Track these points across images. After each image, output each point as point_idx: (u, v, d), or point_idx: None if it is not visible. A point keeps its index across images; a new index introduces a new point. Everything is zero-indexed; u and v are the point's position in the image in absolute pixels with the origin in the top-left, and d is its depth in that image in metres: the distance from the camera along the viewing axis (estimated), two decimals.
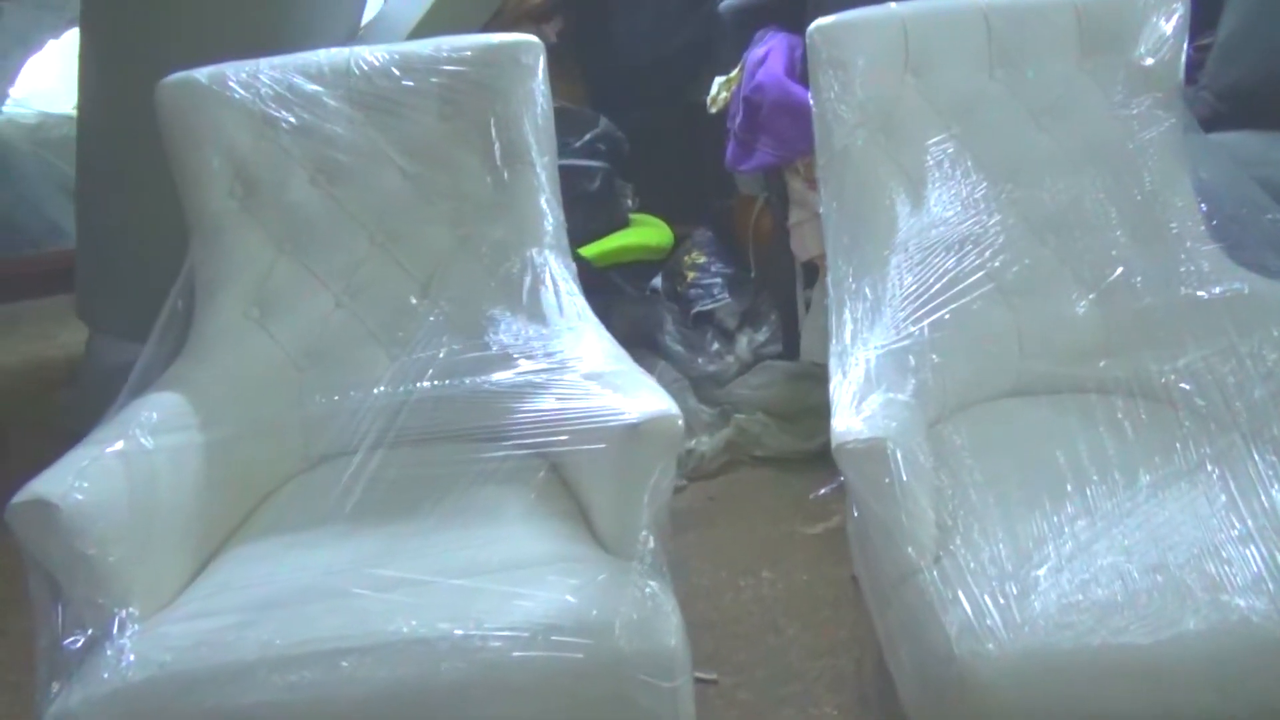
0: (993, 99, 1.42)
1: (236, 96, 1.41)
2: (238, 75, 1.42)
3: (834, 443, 1.06)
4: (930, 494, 1.07)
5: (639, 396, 1.16)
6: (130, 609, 1.10)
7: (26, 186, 3.79)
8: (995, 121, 1.41)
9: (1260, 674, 0.97)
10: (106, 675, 1.02)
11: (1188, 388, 1.17)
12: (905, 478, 1.03)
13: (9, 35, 3.87)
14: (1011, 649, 0.95)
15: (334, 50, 1.47)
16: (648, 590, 1.07)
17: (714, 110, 2.12)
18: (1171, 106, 1.39)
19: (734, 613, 1.64)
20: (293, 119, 1.42)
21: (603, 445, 1.12)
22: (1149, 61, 1.41)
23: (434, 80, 1.44)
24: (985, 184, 1.38)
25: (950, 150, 1.39)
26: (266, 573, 1.16)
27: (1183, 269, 1.31)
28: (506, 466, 1.31)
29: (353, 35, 2.34)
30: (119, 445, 1.16)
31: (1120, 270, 1.34)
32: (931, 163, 1.38)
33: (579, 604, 1.04)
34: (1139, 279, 1.32)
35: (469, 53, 1.45)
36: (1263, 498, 1.04)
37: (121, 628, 1.07)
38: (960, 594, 0.99)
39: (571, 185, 2.02)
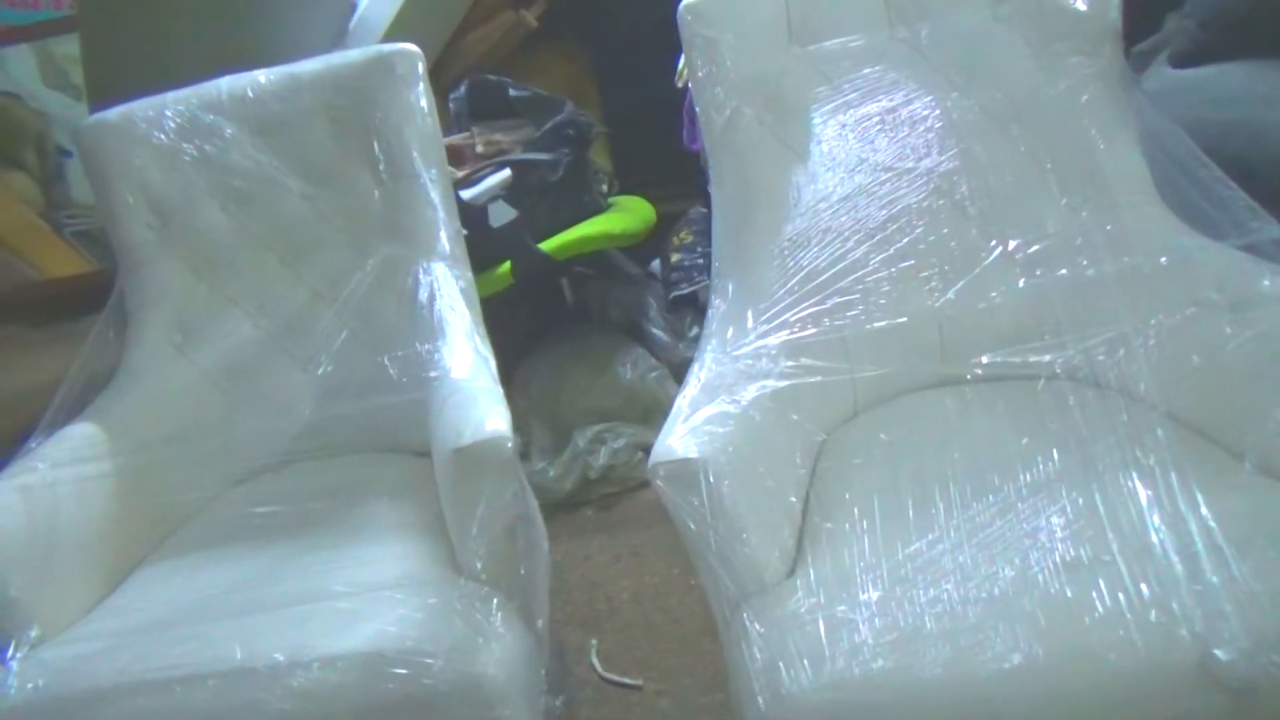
0: (895, 62, 1.28)
1: (144, 133, 1.47)
2: (144, 113, 1.48)
3: (649, 464, 1.01)
4: (761, 517, 0.99)
5: (480, 418, 1.13)
6: (31, 632, 1.19)
7: None
8: (900, 86, 1.28)
9: (1113, 715, 0.86)
10: None
11: (1067, 382, 1.03)
12: (724, 502, 0.96)
13: None
14: (815, 689, 0.88)
15: (236, 77, 1.50)
16: (473, 616, 1.06)
17: (681, 84, 2.03)
18: (1100, 53, 1.21)
19: (678, 614, 1.60)
20: (195, 151, 1.46)
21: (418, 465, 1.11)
22: (1080, 5, 1.23)
23: (321, 99, 1.45)
24: (891, 156, 1.26)
25: (847, 123, 1.27)
26: (154, 596, 1.22)
27: (1115, 236, 1.15)
28: (397, 482, 1.33)
29: (339, 40, 2.38)
30: (20, 480, 1.25)
31: (1046, 243, 1.18)
32: (823, 140, 1.26)
33: (399, 631, 1.03)
34: (1065, 251, 1.17)
35: (349, 67, 1.44)
36: (1132, 514, 0.91)
37: (16, 650, 1.16)
38: (769, 629, 0.92)
39: (531, 178, 2.00)
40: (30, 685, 1.10)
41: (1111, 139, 1.17)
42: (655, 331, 2.12)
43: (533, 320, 2.31)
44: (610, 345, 2.12)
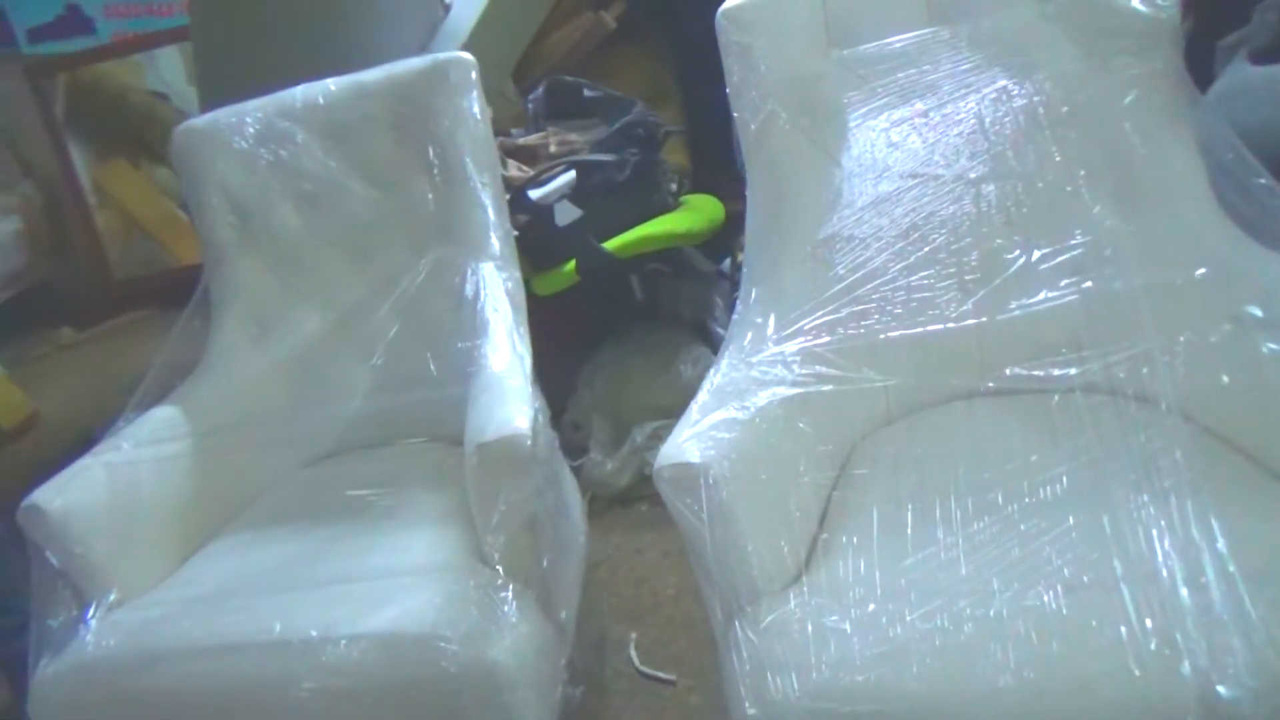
0: (934, 63, 1.25)
1: (226, 139, 1.58)
2: (228, 120, 1.59)
3: (654, 467, 1.03)
4: (760, 524, 1.00)
5: (505, 416, 1.18)
6: (112, 595, 1.31)
7: None
8: (936, 89, 1.25)
9: None
10: (69, 653, 1.23)
11: (1084, 398, 0.99)
12: (722, 508, 0.97)
13: None
14: (801, 698, 0.89)
15: (309, 85, 1.59)
16: (489, 605, 1.11)
17: None
18: (1152, 53, 1.15)
19: None
20: (271, 155, 1.56)
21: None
22: (1134, 2, 1.17)
23: (384, 105, 1.53)
24: (921, 161, 1.23)
25: (879, 127, 1.25)
26: (216, 569, 1.33)
27: (1150, 246, 1.10)
28: (438, 471, 1.40)
29: (427, 46, 2.47)
30: (106, 457, 1.37)
31: (1074, 253, 1.13)
32: (855, 144, 1.25)
33: (419, 615, 1.09)
34: (1094, 262, 1.11)
35: (409, 75, 1.51)
36: (1140, 539, 0.88)
37: (96, 611, 1.29)
38: (760, 637, 0.93)
39: (595, 178, 2.03)
40: (104, 644, 1.22)
41: (1156, 143, 1.11)
42: (719, 330, 2.13)
43: (602, 317, 2.35)
44: (674, 343, 2.14)
